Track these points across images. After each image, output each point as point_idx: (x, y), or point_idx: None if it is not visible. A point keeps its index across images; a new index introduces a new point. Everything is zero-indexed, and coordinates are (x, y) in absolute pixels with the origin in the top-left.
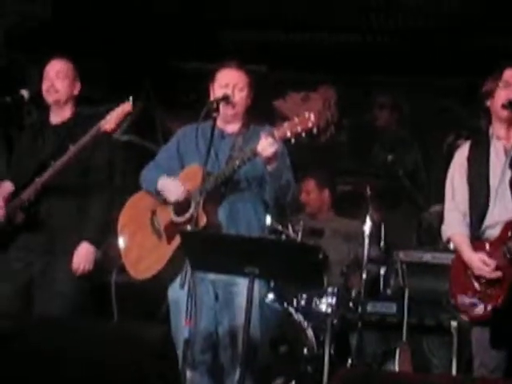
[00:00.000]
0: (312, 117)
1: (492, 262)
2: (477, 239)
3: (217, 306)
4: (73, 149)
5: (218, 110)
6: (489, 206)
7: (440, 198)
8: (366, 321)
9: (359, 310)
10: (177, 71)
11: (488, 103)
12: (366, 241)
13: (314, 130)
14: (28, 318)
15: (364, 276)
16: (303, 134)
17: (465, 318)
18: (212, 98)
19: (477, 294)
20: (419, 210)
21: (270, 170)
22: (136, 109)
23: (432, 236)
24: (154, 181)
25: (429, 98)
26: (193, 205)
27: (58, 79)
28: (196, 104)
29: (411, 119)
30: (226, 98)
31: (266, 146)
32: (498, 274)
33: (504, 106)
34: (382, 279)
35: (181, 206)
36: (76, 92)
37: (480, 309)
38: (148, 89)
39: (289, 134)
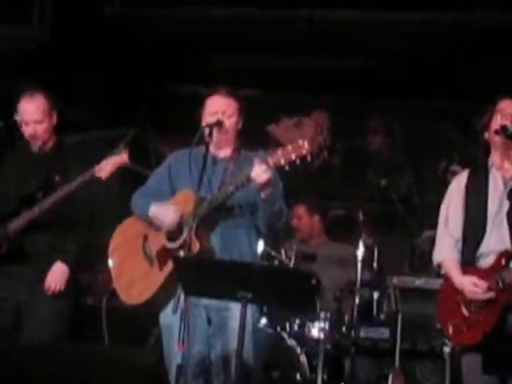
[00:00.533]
0: (306, 144)
1: (483, 284)
2: (469, 266)
3: (210, 330)
4: (64, 189)
5: (210, 135)
6: (485, 234)
7: (433, 223)
8: (358, 346)
9: (352, 334)
10: (171, 96)
11: (486, 135)
12: (359, 265)
13: (308, 158)
14: (17, 342)
15: (357, 301)
16: (297, 161)
17: (452, 343)
18: (204, 124)
19: (465, 321)
20: (412, 234)
21: (263, 196)
22: (130, 135)
23: (425, 262)
24: (145, 206)
25: (422, 122)
26: (185, 230)
27: (38, 124)
28: (189, 129)
29: (404, 143)
30: (218, 124)
31: (260, 172)
32: (491, 294)
33: (496, 132)
34: (375, 304)
35: (173, 232)
36: (54, 122)
37: (468, 335)
38: (143, 114)
39: (283, 161)
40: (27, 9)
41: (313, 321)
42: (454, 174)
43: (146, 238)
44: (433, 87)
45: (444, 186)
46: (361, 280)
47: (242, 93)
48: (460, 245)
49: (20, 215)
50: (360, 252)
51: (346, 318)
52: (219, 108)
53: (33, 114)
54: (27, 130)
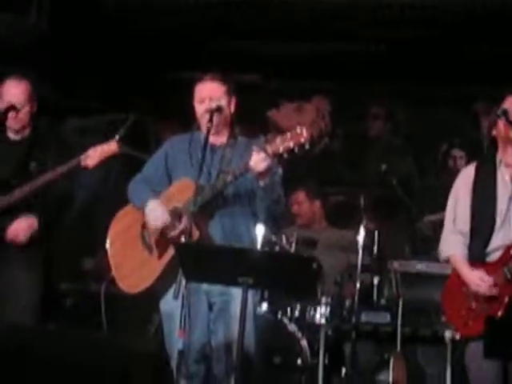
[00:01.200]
0: (304, 132)
1: (490, 279)
2: (477, 261)
3: (211, 315)
4: (47, 175)
5: (211, 121)
6: (494, 231)
7: (433, 207)
8: (360, 330)
9: (353, 319)
10: (170, 82)
11: (494, 132)
12: (360, 250)
13: (307, 145)
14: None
15: (358, 286)
16: (295, 149)
17: (458, 334)
18: (197, 115)
19: (472, 313)
20: (413, 219)
21: (261, 184)
22: (129, 121)
23: (426, 246)
24: (141, 198)
25: (422, 107)
26: (185, 218)
27: (20, 107)
28: (188, 114)
29: (405, 128)
30: (219, 109)
31: (259, 161)
32: (495, 291)
33: (497, 115)
34: (375, 289)
35: (172, 221)
36: (34, 110)
37: (475, 326)
38: (141, 100)
39: (281, 149)
40: (26, 1)
41: (314, 306)
42: (455, 158)
43: (144, 226)
44: (434, 72)
45: (445, 170)
46: (362, 265)
47: (241, 78)
48: (468, 239)
49: None
50: (361, 237)
51: (347, 302)
52: (205, 95)
53: (16, 94)
54: (18, 115)
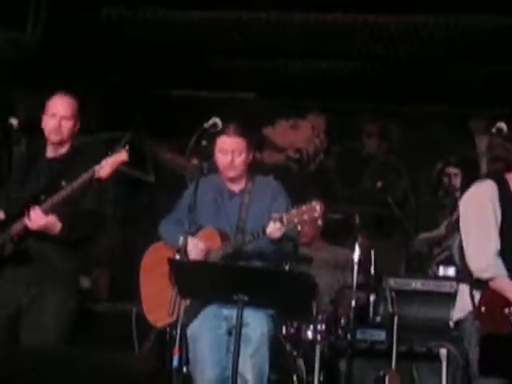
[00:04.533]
0: (318, 207)
1: None
2: None
3: (230, 341)
4: (65, 189)
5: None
6: None
7: (428, 225)
8: (355, 348)
9: (348, 337)
10: (166, 99)
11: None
12: (355, 268)
13: (319, 221)
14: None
15: (353, 303)
16: (308, 222)
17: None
18: (216, 164)
19: None
20: (408, 237)
21: (275, 247)
22: (126, 139)
23: (421, 263)
24: (173, 236)
25: (418, 125)
26: None
27: (64, 119)
28: (184, 132)
29: (400, 146)
30: (213, 126)
31: (275, 229)
32: None
33: (493, 134)
34: (371, 306)
35: None
36: (76, 130)
37: None
38: (138, 118)
39: (296, 221)
40: (22, 14)
41: (309, 323)
42: (450, 175)
43: None
44: (428, 90)
45: (440, 187)
46: (357, 283)
47: (237, 96)
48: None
49: (23, 218)
50: (356, 255)
51: (343, 320)
52: (229, 147)
53: (62, 108)
54: (50, 123)
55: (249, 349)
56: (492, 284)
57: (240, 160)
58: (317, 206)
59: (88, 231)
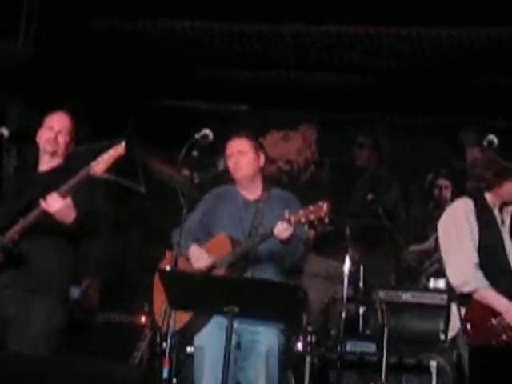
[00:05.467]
0: (325, 207)
1: None
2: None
3: (239, 353)
4: (61, 189)
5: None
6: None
7: (419, 237)
8: (345, 360)
9: (338, 349)
10: (157, 109)
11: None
12: (345, 280)
13: (326, 220)
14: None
15: (343, 315)
16: (316, 222)
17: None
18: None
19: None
20: (398, 249)
21: (284, 248)
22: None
23: (411, 275)
24: (184, 245)
25: (408, 137)
26: (219, 270)
27: (61, 133)
28: (175, 141)
29: (390, 158)
30: (204, 137)
31: (282, 230)
32: None
33: (483, 148)
34: (361, 318)
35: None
36: (70, 149)
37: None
38: (129, 127)
39: (303, 221)
40: (13, 25)
41: (299, 335)
42: (441, 187)
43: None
44: (419, 102)
45: (430, 199)
46: (347, 295)
47: (228, 107)
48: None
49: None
50: (346, 267)
51: (333, 332)
52: (234, 149)
53: (61, 121)
54: (47, 135)
55: (258, 363)
56: (476, 296)
57: (246, 160)
58: (324, 206)
59: (92, 231)
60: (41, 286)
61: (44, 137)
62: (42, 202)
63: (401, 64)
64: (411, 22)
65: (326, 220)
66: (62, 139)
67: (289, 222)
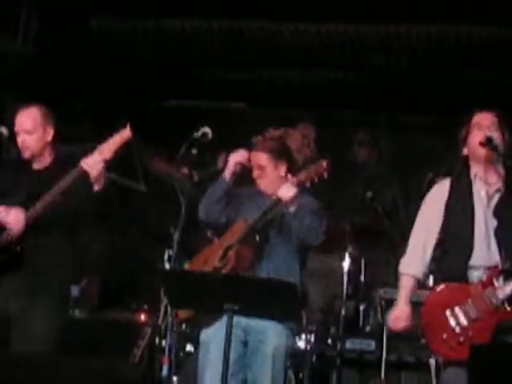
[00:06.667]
0: (325, 164)
1: (403, 322)
2: (460, 279)
3: (246, 352)
4: (55, 189)
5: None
6: (474, 247)
7: None
8: (344, 358)
9: (338, 346)
10: (158, 109)
11: (465, 151)
12: (345, 278)
13: (325, 175)
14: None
15: (343, 313)
16: (316, 180)
17: (442, 358)
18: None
19: (456, 336)
20: (397, 246)
21: (291, 211)
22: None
23: None
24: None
25: (408, 136)
26: (231, 252)
27: (26, 134)
28: (175, 142)
29: (390, 156)
30: (203, 135)
31: (286, 190)
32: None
33: (482, 144)
34: (361, 316)
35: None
36: (49, 138)
37: (459, 350)
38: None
39: (304, 179)
40: (12, 25)
41: (299, 333)
42: None
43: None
44: (419, 100)
45: None
46: (347, 292)
47: (227, 106)
48: (428, 256)
49: None
50: (346, 264)
51: (332, 329)
52: (254, 163)
53: (23, 123)
54: (19, 141)
55: (264, 364)
56: (400, 280)
57: (266, 173)
58: (323, 163)
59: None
60: (41, 285)
61: (18, 141)
62: (83, 162)
63: (400, 62)
64: (409, 20)
65: (325, 176)
66: (30, 140)
67: (291, 181)
